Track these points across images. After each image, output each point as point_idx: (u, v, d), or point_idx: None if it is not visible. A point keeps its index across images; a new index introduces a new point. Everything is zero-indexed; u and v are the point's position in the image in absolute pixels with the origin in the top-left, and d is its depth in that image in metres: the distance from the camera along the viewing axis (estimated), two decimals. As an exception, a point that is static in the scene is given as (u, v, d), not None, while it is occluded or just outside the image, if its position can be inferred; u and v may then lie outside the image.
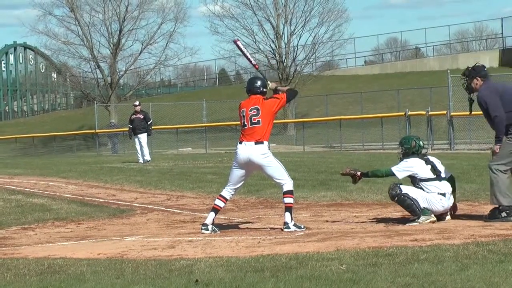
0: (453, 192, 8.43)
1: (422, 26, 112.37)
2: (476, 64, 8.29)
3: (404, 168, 8.35)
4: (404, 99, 32.34)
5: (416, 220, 8.18)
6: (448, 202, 8.30)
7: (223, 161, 20.75)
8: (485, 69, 8.23)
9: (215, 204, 8.27)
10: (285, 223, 8.03)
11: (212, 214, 8.19)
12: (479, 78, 8.12)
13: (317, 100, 36.55)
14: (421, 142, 8.52)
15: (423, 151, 8.51)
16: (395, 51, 60.07)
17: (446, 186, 8.30)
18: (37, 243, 7.99)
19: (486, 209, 8.91)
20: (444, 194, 8.25)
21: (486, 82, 8.12)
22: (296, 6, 41.77)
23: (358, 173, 8.54)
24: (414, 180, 8.40)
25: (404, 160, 8.42)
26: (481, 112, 8.24)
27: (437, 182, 8.28)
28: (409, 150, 8.44)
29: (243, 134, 8.10)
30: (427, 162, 8.37)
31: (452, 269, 5.49)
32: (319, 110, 36.22)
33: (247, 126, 8.05)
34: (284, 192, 8.09)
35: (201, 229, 8.17)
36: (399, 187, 8.30)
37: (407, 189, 8.29)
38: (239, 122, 8.35)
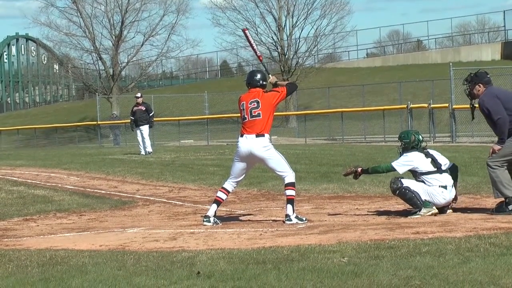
0: (455, 181, 8.43)
1: (424, 19, 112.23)
2: (479, 71, 8.29)
3: (404, 163, 8.36)
4: (406, 92, 32.27)
5: (418, 212, 8.19)
6: (449, 194, 8.31)
7: (225, 153, 20.74)
8: (488, 75, 8.22)
9: (217, 196, 8.28)
10: (287, 215, 8.03)
11: (214, 206, 8.21)
12: (481, 85, 8.12)
13: (319, 92, 36.49)
14: (420, 136, 8.53)
15: (422, 144, 8.51)
16: (397, 44, 59.93)
17: (447, 179, 8.31)
18: (39, 235, 8.00)
19: (488, 202, 8.91)
20: (445, 187, 8.26)
21: (488, 88, 8.12)
22: (298, -2, 41.68)
23: (359, 169, 8.55)
24: (415, 174, 8.41)
25: (404, 154, 8.43)
26: None
27: (437, 175, 8.28)
28: (409, 145, 8.46)
29: (244, 127, 8.11)
30: (427, 155, 8.39)
31: (454, 262, 5.49)
32: (321, 102, 36.16)
33: (247, 119, 8.06)
34: (285, 184, 8.09)
35: (203, 221, 8.18)
36: (400, 180, 8.31)
37: (408, 182, 8.30)
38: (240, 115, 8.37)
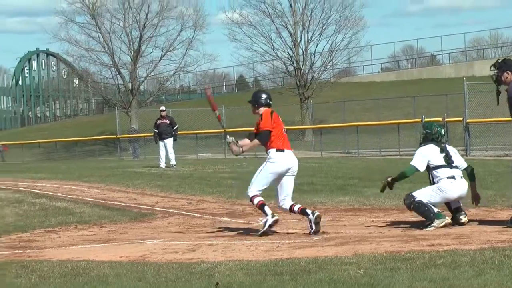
0: (473, 181, 8.49)
1: (438, 34, 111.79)
2: (508, 57, 8.26)
3: (420, 158, 8.45)
4: (420, 106, 32.20)
5: (431, 224, 8.26)
6: (460, 184, 8.34)
7: (242, 166, 20.83)
8: None
9: (259, 201, 8.40)
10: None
11: (266, 208, 8.37)
12: (510, 72, 8.02)
13: (334, 106, 36.52)
14: (442, 131, 8.62)
15: (443, 139, 8.59)
16: (411, 59, 59.81)
17: (455, 171, 8.39)
18: (61, 246, 8.10)
19: (503, 215, 8.95)
20: (453, 177, 8.33)
21: None
22: (313, 14, 41.88)
23: (389, 179, 8.66)
24: (428, 169, 8.48)
25: (419, 150, 8.54)
26: (497, 119, 8.26)
27: (447, 168, 8.38)
28: (430, 135, 8.58)
29: None
30: (443, 150, 8.48)
31: (469, 274, 5.53)
32: (336, 116, 36.19)
33: None
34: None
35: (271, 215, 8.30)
36: (411, 195, 8.40)
37: (419, 194, 8.38)
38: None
